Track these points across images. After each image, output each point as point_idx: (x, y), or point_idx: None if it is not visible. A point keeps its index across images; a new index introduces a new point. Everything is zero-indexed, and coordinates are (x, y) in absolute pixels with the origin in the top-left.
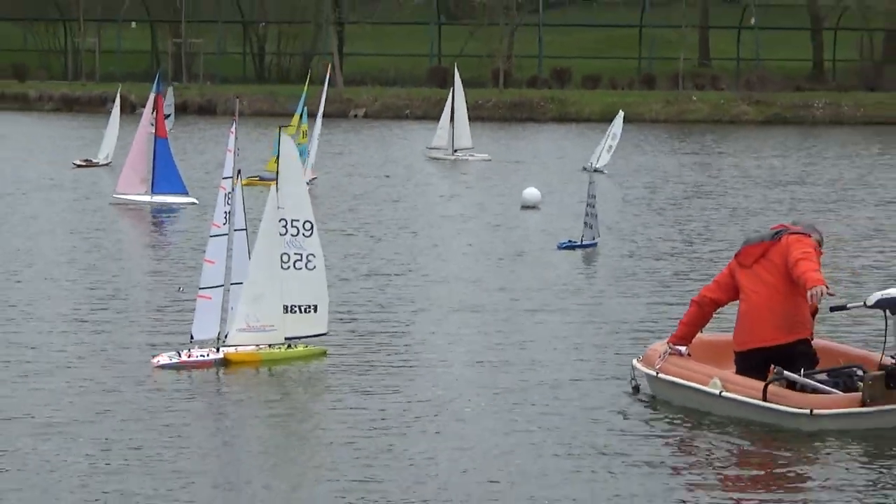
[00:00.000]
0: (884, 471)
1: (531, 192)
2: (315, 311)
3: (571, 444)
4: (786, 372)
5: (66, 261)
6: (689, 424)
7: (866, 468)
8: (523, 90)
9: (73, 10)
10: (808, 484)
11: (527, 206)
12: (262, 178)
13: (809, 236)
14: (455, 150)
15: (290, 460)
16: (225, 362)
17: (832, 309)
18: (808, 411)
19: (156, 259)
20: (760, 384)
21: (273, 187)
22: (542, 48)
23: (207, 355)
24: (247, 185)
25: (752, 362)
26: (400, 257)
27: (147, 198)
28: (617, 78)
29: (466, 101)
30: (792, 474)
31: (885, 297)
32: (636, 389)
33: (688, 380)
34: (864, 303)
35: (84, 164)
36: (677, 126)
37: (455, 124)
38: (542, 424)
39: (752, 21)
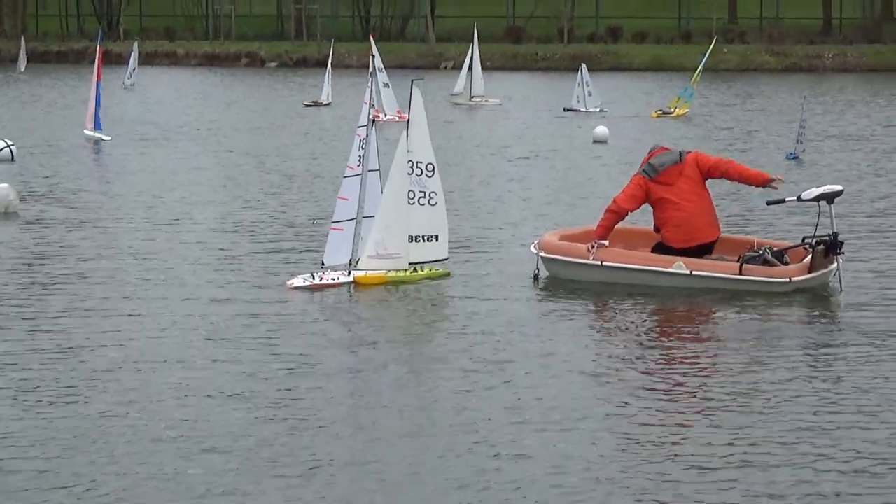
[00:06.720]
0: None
1: (601, 130)
2: (437, 239)
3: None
4: (762, 252)
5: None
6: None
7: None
8: (584, 45)
9: None
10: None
11: (598, 141)
12: (664, 112)
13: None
14: (472, 97)
15: (413, 371)
16: (355, 284)
17: (769, 202)
18: (787, 279)
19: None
20: (729, 264)
21: (403, 133)
22: (598, 10)
23: (338, 278)
24: (656, 117)
25: (692, 255)
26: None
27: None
28: (660, 34)
29: (537, 55)
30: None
31: (826, 191)
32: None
33: (649, 265)
34: (799, 197)
35: (312, 104)
36: (710, 74)
37: (472, 74)
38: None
39: None
